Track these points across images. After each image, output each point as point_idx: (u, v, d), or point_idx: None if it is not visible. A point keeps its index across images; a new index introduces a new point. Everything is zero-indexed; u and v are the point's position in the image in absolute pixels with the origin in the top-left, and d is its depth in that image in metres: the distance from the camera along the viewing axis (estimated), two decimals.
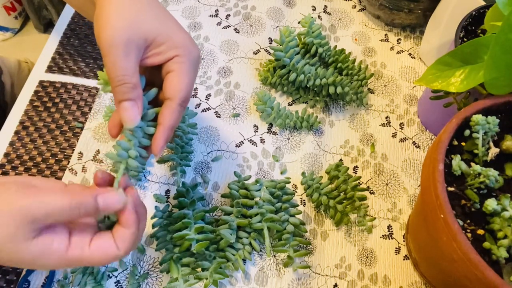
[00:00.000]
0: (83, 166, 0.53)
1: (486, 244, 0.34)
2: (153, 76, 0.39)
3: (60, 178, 0.52)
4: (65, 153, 0.54)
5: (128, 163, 0.36)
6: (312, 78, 0.56)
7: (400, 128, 0.58)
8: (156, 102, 0.39)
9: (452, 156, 0.37)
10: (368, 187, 0.53)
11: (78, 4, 0.48)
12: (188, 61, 0.37)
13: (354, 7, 0.70)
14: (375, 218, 0.51)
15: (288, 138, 0.57)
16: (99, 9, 0.35)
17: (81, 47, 0.62)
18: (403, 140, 0.57)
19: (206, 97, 0.59)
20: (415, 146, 0.57)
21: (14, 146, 0.54)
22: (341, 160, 0.55)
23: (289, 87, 0.59)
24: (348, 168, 0.53)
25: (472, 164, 0.37)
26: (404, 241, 0.50)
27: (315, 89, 0.58)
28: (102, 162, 0.53)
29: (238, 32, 0.65)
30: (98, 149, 0.54)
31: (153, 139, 0.37)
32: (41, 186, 0.33)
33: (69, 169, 0.53)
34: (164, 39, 0.36)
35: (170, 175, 0.53)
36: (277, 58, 0.56)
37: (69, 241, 0.33)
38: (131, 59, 0.34)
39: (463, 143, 0.39)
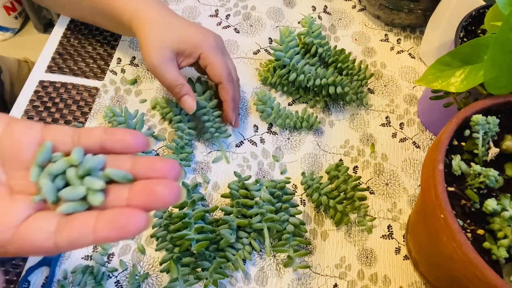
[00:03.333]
0: None
1: (486, 244, 0.34)
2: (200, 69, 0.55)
3: None
4: None
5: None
6: (312, 78, 0.56)
7: (400, 128, 0.58)
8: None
9: (452, 156, 0.37)
10: (368, 187, 0.53)
11: (101, 22, 0.57)
12: (211, 52, 0.50)
13: (354, 7, 0.70)
14: (375, 218, 0.51)
15: (288, 138, 0.57)
16: (141, 39, 0.48)
17: (81, 47, 0.62)
18: (403, 140, 0.57)
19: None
20: (415, 146, 0.57)
21: None
22: (341, 160, 0.55)
23: (289, 87, 0.59)
24: (348, 168, 0.53)
25: (472, 164, 0.37)
26: (404, 241, 0.50)
27: (315, 89, 0.58)
28: None
29: (238, 32, 0.65)
30: None
31: (224, 113, 0.53)
32: None
33: None
34: (185, 46, 0.50)
35: None
36: (277, 58, 0.56)
37: None
38: (173, 69, 0.49)
39: (463, 143, 0.39)
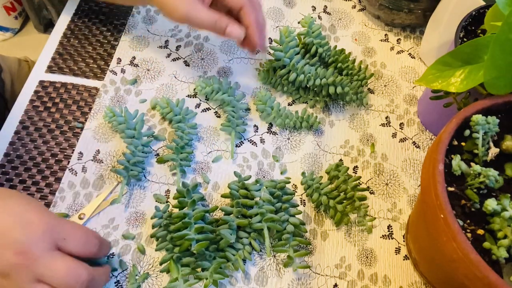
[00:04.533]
0: (83, 166, 0.53)
1: (486, 244, 0.34)
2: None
3: (60, 178, 0.52)
4: (65, 153, 0.54)
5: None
6: (312, 78, 0.56)
7: (400, 128, 0.58)
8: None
9: (452, 156, 0.37)
10: (368, 187, 0.53)
11: None
12: None
13: (354, 7, 0.70)
14: (375, 218, 0.51)
15: (288, 138, 0.57)
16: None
17: (81, 47, 0.62)
18: (403, 140, 0.57)
19: (206, 97, 0.59)
20: (415, 146, 0.57)
21: (14, 146, 0.54)
22: (341, 160, 0.55)
23: (289, 87, 0.59)
24: (348, 168, 0.53)
25: (472, 164, 0.37)
26: (404, 241, 0.50)
27: (315, 89, 0.58)
28: (102, 162, 0.53)
29: None
30: (98, 149, 0.54)
31: (249, 38, 0.51)
32: None
33: (69, 169, 0.53)
34: None
35: (170, 175, 0.53)
36: (277, 58, 0.56)
37: None
38: (203, 9, 0.47)
39: (463, 143, 0.39)
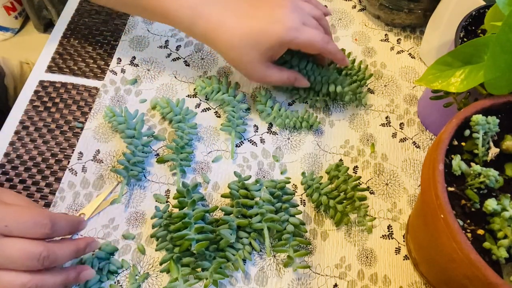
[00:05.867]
0: (83, 166, 0.53)
1: (486, 244, 0.34)
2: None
3: (60, 178, 0.52)
4: (65, 153, 0.54)
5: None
6: (313, 75, 0.56)
7: (400, 128, 0.58)
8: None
9: (452, 156, 0.37)
10: (368, 187, 0.53)
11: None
12: (292, 34, 0.49)
13: (354, 7, 0.70)
14: (375, 218, 0.51)
15: (288, 138, 0.57)
16: (229, 58, 0.52)
17: (81, 47, 0.62)
18: (403, 140, 0.57)
19: (206, 97, 0.59)
20: (415, 146, 0.57)
21: (14, 146, 0.54)
22: (341, 160, 0.55)
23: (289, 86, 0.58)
24: (348, 168, 0.53)
25: (472, 164, 0.37)
26: (404, 241, 0.50)
27: (315, 86, 0.58)
28: (102, 162, 0.53)
29: None
30: (98, 149, 0.54)
31: (337, 62, 0.55)
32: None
33: (69, 169, 0.53)
34: (268, 45, 0.50)
35: (170, 175, 0.53)
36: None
37: None
38: (273, 69, 0.52)
39: (463, 143, 0.39)
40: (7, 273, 0.35)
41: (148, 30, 0.64)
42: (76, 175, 0.52)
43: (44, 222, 0.37)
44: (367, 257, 0.49)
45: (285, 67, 0.56)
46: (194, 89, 0.58)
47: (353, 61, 0.60)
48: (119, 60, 0.61)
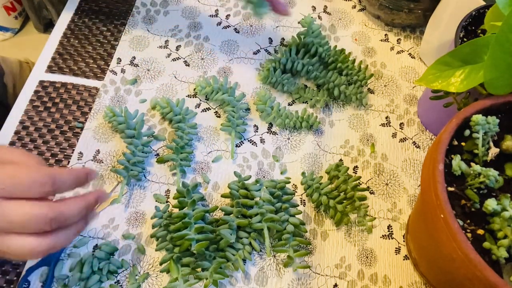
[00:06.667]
0: (83, 166, 0.53)
1: (486, 244, 0.34)
2: None
3: None
4: (65, 153, 0.54)
5: None
6: (315, 71, 0.57)
7: (400, 128, 0.58)
8: None
9: (452, 156, 0.37)
10: (368, 187, 0.53)
11: None
12: None
13: (354, 7, 0.70)
14: (375, 218, 0.51)
15: (288, 138, 0.57)
16: None
17: (81, 47, 0.62)
18: (403, 140, 0.57)
19: (206, 97, 0.59)
20: (415, 146, 0.57)
21: (14, 146, 0.54)
22: (341, 160, 0.55)
23: (289, 84, 0.58)
24: (348, 168, 0.53)
25: (472, 164, 0.37)
26: (404, 241, 0.50)
27: (318, 83, 0.58)
28: (102, 162, 0.53)
29: (238, 32, 0.65)
30: (98, 149, 0.54)
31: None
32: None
33: None
34: None
35: (170, 175, 0.53)
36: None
37: None
38: None
39: (463, 143, 0.39)
40: (16, 238, 0.33)
41: (148, 30, 0.64)
42: None
43: (44, 181, 0.34)
44: (367, 257, 0.49)
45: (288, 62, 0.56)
46: (194, 89, 0.58)
47: (353, 61, 0.60)
48: (119, 60, 0.61)
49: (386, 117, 0.59)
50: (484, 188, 0.36)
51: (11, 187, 0.33)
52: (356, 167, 0.55)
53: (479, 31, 0.49)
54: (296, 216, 0.49)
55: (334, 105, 0.60)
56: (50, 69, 0.60)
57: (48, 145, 0.54)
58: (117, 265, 0.46)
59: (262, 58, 0.63)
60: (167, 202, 0.51)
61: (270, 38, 0.65)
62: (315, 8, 0.69)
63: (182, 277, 0.45)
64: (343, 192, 0.51)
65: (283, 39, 0.65)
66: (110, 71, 0.60)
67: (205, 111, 0.58)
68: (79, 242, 0.48)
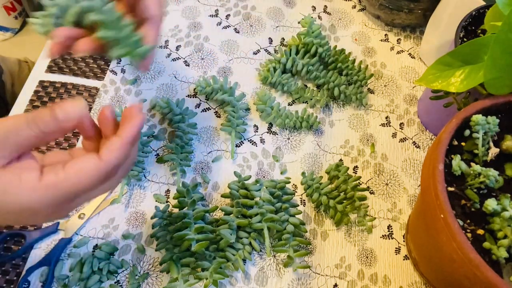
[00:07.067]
0: None
1: (486, 244, 0.34)
2: None
3: None
4: None
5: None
6: (315, 71, 0.56)
7: (400, 128, 0.58)
8: None
9: (452, 156, 0.37)
10: (368, 187, 0.53)
11: None
12: None
13: (354, 7, 0.70)
14: (375, 218, 0.51)
15: (288, 138, 0.57)
16: None
17: None
18: (403, 140, 0.57)
19: (206, 97, 0.59)
20: (415, 146, 0.57)
21: None
22: (341, 160, 0.55)
23: (289, 84, 0.58)
24: (348, 168, 0.53)
25: (472, 164, 0.37)
26: (404, 241, 0.50)
27: (318, 82, 0.58)
28: None
29: (238, 32, 0.65)
30: None
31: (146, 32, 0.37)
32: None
33: None
34: None
35: (170, 175, 0.53)
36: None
37: (41, 171, 0.29)
38: None
39: (463, 143, 0.39)
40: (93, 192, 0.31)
41: None
42: None
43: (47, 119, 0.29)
44: (367, 257, 0.49)
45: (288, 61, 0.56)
46: (194, 89, 0.58)
47: (353, 61, 0.60)
48: (119, 60, 0.61)
49: (386, 117, 0.59)
50: (484, 188, 0.36)
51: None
52: (356, 167, 0.55)
53: (479, 31, 0.49)
54: (296, 216, 0.49)
55: (334, 105, 0.60)
56: (50, 69, 0.60)
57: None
58: (117, 265, 0.46)
59: (262, 58, 0.63)
60: (167, 202, 0.51)
61: (270, 38, 0.65)
62: (315, 8, 0.69)
63: (182, 277, 0.45)
64: (343, 192, 0.51)
65: (283, 39, 0.65)
66: (110, 71, 0.60)
67: (205, 111, 0.58)
68: (79, 242, 0.48)
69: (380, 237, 0.50)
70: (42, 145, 0.28)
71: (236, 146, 0.55)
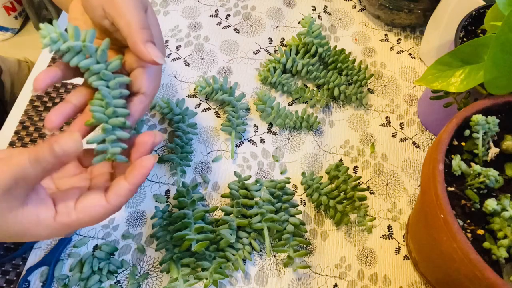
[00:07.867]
0: None
1: (486, 244, 0.34)
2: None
3: None
4: None
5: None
6: (315, 72, 0.56)
7: (400, 128, 0.58)
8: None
9: (452, 156, 0.37)
10: (368, 187, 0.53)
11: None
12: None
13: (354, 7, 0.70)
14: (375, 218, 0.51)
15: (288, 138, 0.57)
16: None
17: None
18: (403, 140, 0.57)
19: (206, 97, 0.59)
20: (415, 146, 0.57)
21: (14, 146, 0.54)
22: (341, 160, 0.55)
23: (289, 84, 0.58)
24: (348, 168, 0.53)
25: (472, 164, 0.37)
26: (404, 241, 0.50)
27: (318, 81, 0.58)
28: None
29: (238, 32, 0.65)
30: None
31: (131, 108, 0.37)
32: (2, 155, 0.31)
33: None
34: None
35: (170, 175, 0.53)
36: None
37: (55, 209, 0.32)
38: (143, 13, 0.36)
39: (463, 143, 0.39)
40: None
41: None
42: None
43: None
44: (367, 257, 0.49)
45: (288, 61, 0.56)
46: (194, 89, 0.58)
47: (353, 61, 0.60)
48: None
49: (386, 117, 0.59)
50: (484, 188, 0.36)
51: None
52: (356, 167, 0.55)
53: (479, 31, 0.49)
54: (296, 216, 0.49)
55: (334, 105, 0.60)
56: None
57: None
58: (117, 265, 0.46)
59: (262, 58, 0.63)
60: (167, 202, 0.51)
61: (270, 38, 0.65)
62: (315, 8, 0.69)
63: (182, 277, 0.45)
64: (343, 192, 0.51)
65: (283, 39, 0.65)
66: None
67: (205, 111, 0.58)
68: (79, 242, 0.48)
69: (380, 237, 0.50)
70: (46, 176, 0.31)
71: (236, 146, 0.55)
